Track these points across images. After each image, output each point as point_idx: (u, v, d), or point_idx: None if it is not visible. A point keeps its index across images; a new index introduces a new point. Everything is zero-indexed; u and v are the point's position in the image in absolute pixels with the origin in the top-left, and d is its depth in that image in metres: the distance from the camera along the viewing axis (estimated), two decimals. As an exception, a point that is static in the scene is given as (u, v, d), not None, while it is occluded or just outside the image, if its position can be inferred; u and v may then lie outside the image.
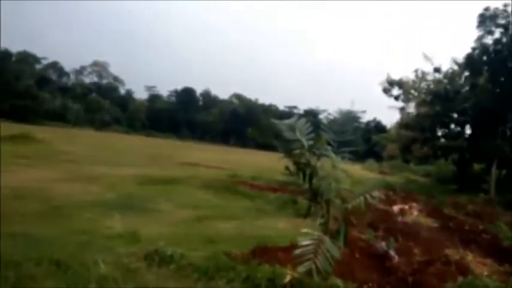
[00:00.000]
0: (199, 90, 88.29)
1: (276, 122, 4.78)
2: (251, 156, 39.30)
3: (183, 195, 10.16)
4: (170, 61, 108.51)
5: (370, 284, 4.65)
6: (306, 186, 4.73)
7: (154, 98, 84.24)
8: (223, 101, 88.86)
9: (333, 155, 4.81)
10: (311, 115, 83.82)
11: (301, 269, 3.98)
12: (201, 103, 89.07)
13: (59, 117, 60.69)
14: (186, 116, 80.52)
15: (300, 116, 5.38)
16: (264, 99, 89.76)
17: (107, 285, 3.73)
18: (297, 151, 4.62)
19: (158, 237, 5.80)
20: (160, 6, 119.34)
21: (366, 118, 76.34)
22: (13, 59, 62.57)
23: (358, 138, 5.27)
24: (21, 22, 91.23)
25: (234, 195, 10.96)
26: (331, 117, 5.60)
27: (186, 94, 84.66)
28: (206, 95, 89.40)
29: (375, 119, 78.26)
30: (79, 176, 11.76)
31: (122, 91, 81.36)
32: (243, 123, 79.75)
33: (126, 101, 77.88)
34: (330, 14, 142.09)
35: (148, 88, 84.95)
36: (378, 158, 47.51)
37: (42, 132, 28.34)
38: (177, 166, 20.06)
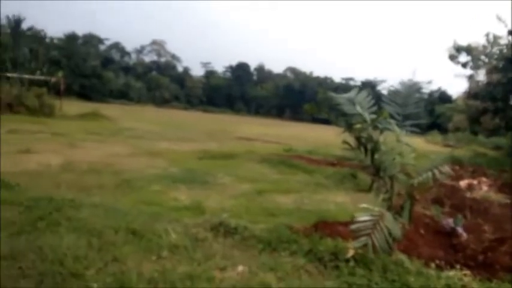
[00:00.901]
0: (253, 65, 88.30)
1: (335, 95, 4.66)
2: (306, 130, 38.99)
3: (242, 169, 10.41)
4: (225, 37, 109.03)
5: (437, 262, 4.52)
6: (368, 161, 4.63)
7: (210, 74, 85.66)
8: (277, 75, 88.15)
9: (396, 128, 4.64)
10: (369, 87, 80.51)
11: (356, 244, 3.97)
12: (255, 78, 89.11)
13: (122, 95, 64.18)
14: (241, 91, 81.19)
15: (360, 88, 5.18)
16: (319, 71, 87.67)
17: (178, 253, 3.99)
18: (358, 125, 4.50)
19: (221, 209, 6.06)
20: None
21: (429, 88, 71.99)
22: (79, 41, 66.53)
23: (421, 110, 4.99)
24: (85, 5, 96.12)
25: (291, 169, 11.02)
26: (392, 88, 5.34)
27: (241, 69, 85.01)
28: (260, 69, 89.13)
29: (439, 89, 73.39)
30: (144, 151, 12.47)
31: (180, 68, 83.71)
32: (297, 97, 78.89)
33: (183, 78, 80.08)
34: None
35: (204, 64, 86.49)
36: (442, 130, 44.85)
37: (108, 109, 30.26)
38: (234, 141, 20.51)
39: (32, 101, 20.84)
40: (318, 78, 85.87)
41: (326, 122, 5.73)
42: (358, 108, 4.50)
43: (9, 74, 26.18)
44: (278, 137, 25.19)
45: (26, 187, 5.94)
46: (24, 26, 55.45)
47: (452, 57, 26.52)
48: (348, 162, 11.26)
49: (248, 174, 9.78)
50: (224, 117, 56.61)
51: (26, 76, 26.43)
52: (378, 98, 5.04)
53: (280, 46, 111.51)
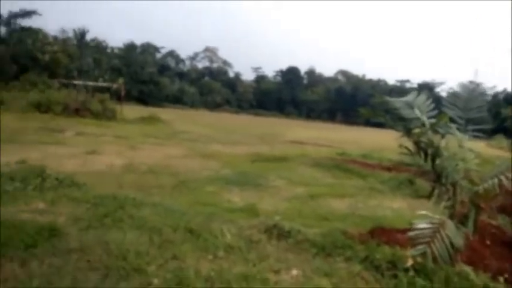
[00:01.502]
0: (304, 69, 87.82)
1: (392, 99, 4.50)
2: (359, 134, 38.00)
3: (294, 173, 10.37)
4: (275, 42, 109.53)
5: (506, 276, 4.19)
6: (428, 167, 4.41)
7: (260, 78, 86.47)
8: (328, 79, 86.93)
9: (458, 133, 4.39)
10: (426, 89, 76.76)
11: (414, 252, 3.79)
12: (306, 81, 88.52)
13: (177, 100, 66.77)
14: (292, 94, 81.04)
15: (418, 91, 4.96)
16: (372, 74, 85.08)
17: (233, 253, 4.06)
18: (417, 130, 4.30)
19: (274, 211, 6.08)
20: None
21: (493, 89, 67.07)
22: (138, 50, 70.22)
23: (484, 113, 4.67)
24: (144, 17, 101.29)
25: (345, 173, 10.79)
26: (451, 91, 5.07)
27: (291, 73, 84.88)
28: (311, 73, 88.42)
29: (504, 90, 68.24)
30: (199, 154, 12.85)
31: (231, 74, 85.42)
32: (349, 100, 77.22)
33: (234, 83, 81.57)
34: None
35: (255, 69, 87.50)
36: (509, 134, 41.63)
37: (164, 113, 31.56)
38: (286, 144, 20.50)
39: (96, 106, 22.34)
40: (370, 81, 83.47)
41: (380, 125, 5.55)
42: (417, 112, 4.31)
43: (75, 82, 28.27)
44: (330, 141, 24.80)
45: (92, 186, 6.36)
46: (88, 37, 59.73)
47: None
48: (404, 167, 10.83)
49: (301, 178, 9.72)
50: (275, 121, 56.75)
51: (90, 83, 28.38)
52: (436, 101, 4.81)
53: (331, 49, 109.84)
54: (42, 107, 20.14)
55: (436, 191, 5.02)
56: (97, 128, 17.18)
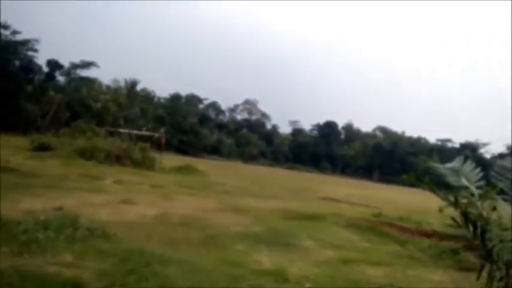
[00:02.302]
0: (341, 123, 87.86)
1: (437, 165, 4.31)
2: (397, 194, 36.56)
3: (326, 233, 9.98)
4: (313, 96, 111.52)
5: None
6: (477, 241, 4.06)
7: (297, 132, 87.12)
8: (366, 134, 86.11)
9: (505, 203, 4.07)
10: (469, 149, 73.77)
11: None
12: (343, 136, 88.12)
13: (215, 151, 68.13)
14: (328, 149, 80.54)
15: (465, 156, 4.72)
16: (412, 131, 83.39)
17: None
18: (465, 200, 4.03)
19: (304, 277, 5.79)
20: (305, 48, 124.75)
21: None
22: (182, 100, 73.66)
23: None
24: (190, 68, 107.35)
25: (381, 237, 10.24)
26: (495, 153, 4.77)
27: (328, 128, 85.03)
28: (348, 128, 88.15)
29: (557, 154, 64.20)
30: (231, 207, 12.76)
31: (269, 126, 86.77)
32: (387, 157, 75.50)
33: (271, 135, 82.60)
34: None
35: (292, 123, 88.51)
36: None
37: (201, 164, 32.15)
38: (319, 201, 20.03)
39: (136, 154, 23.19)
40: (410, 138, 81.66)
41: (418, 178, 5.27)
42: (464, 181, 4.07)
43: (121, 130, 29.76)
44: (366, 199, 23.98)
45: (122, 237, 6.40)
46: (138, 87, 63.72)
47: None
48: (445, 234, 10.16)
49: (333, 240, 9.32)
50: (309, 176, 56.12)
51: (135, 132, 29.73)
52: (479, 162, 4.55)
53: (370, 105, 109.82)
54: (86, 154, 21.16)
55: (487, 268, 4.59)
56: (135, 177, 17.67)
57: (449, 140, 79.79)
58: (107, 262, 4.84)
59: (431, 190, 4.40)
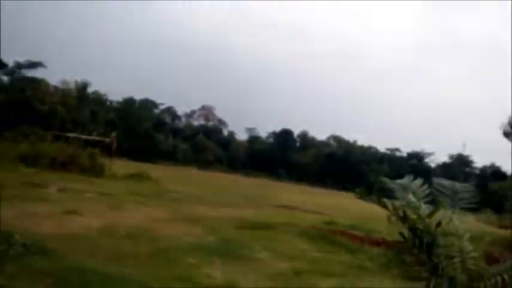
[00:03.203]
0: (296, 131, 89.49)
1: (387, 180, 4.41)
2: (349, 201, 37.62)
3: (280, 243, 9.98)
4: (270, 103, 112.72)
5: None
6: (424, 256, 4.18)
7: (254, 139, 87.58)
8: (321, 142, 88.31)
9: (456, 220, 4.24)
10: (415, 158, 78.09)
11: None
12: (298, 144, 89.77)
13: (169, 157, 66.64)
14: (284, 156, 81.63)
15: (412, 166, 4.89)
16: (363, 140, 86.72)
17: None
18: (414, 216, 4.15)
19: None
20: (262, 57, 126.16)
21: (481, 162, 68.34)
22: (136, 105, 71.51)
23: (472, 186, 4.59)
24: (142, 71, 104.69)
25: (332, 246, 10.42)
26: (439, 162, 4.98)
27: (284, 135, 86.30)
28: (304, 136, 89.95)
29: (492, 165, 69.25)
30: (183, 216, 12.44)
31: (225, 132, 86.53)
32: (340, 165, 77.83)
33: (228, 142, 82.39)
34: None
35: (249, 130, 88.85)
36: (497, 209, 41.53)
37: (154, 170, 31.23)
38: (274, 208, 20.14)
39: (84, 160, 22.03)
40: (362, 147, 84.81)
41: (369, 192, 5.39)
42: (412, 197, 4.19)
43: (69, 134, 28.24)
44: (319, 206, 24.47)
45: (62, 253, 5.97)
46: (90, 90, 61.03)
47: (507, 134, 25.31)
48: (393, 241, 10.52)
49: (286, 250, 9.33)
50: (265, 183, 56.44)
51: (83, 136, 28.34)
52: (426, 171, 4.73)
53: (324, 113, 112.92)
54: (29, 160, 19.80)
55: (432, 283, 4.74)
56: (82, 184, 16.76)
57: (397, 150, 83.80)
58: (42, 283, 4.46)
59: (381, 205, 4.50)
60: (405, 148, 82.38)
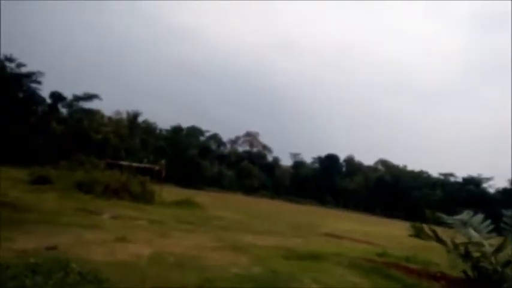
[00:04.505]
0: (342, 156, 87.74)
1: (445, 216, 4.13)
2: (401, 230, 35.71)
3: (330, 276, 9.56)
4: (315, 129, 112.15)
5: None
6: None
7: (298, 164, 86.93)
8: (368, 168, 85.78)
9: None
10: (472, 184, 73.17)
11: None
12: (344, 169, 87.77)
13: (215, 183, 67.66)
14: (329, 182, 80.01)
15: (460, 185, 4.55)
16: (414, 165, 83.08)
17: None
18: (477, 254, 3.82)
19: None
20: (305, 82, 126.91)
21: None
22: (183, 132, 73.98)
23: None
24: (188, 99, 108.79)
25: (388, 280, 9.81)
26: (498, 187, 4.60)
27: (330, 160, 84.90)
28: (350, 161, 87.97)
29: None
30: (230, 245, 12.37)
31: (270, 158, 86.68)
32: (389, 191, 74.83)
33: (273, 168, 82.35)
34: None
35: (293, 155, 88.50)
36: None
37: (201, 196, 31.74)
38: (321, 237, 19.56)
39: (136, 187, 22.89)
40: (412, 172, 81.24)
41: (423, 220, 5.03)
42: (474, 234, 3.88)
43: (121, 162, 29.60)
44: (369, 236, 23.46)
45: (115, 282, 6.08)
46: (140, 119, 64.21)
47: None
48: (454, 277, 9.76)
49: (336, 283, 8.91)
50: (311, 209, 55.34)
51: (134, 164, 29.55)
52: (484, 197, 4.37)
53: (371, 138, 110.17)
54: (84, 187, 20.90)
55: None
56: (133, 211, 17.32)
57: (451, 175, 79.30)
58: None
59: (440, 242, 4.19)
60: (460, 173, 77.81)
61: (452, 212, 4.63)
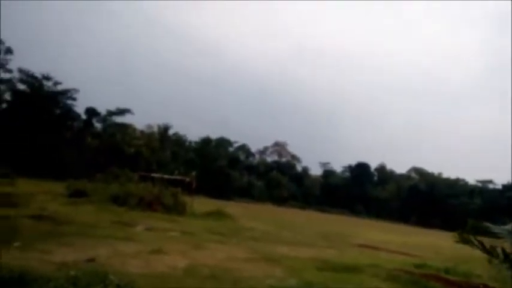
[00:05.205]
0: (374, 164, 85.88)
1: (491, 225, 3.92)
2: (438, 239, 34.47)
3: (367, 288, 9.29)
4: (343, 137, 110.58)
5: None
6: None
7: (328, 173, 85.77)
8: (400, 176, 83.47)
9: None
10: (513, 191, 69.80)
11: None
12: (376, 178, 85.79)
13: (245, 193, 67.75)
14: (361, 191, 78.35)
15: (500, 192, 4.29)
16: (449, 172, 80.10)
17: None
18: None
19: None
20: (333, 90, 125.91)
21: None
22: (212, 143, 74.82)
23: None
24: (219, 111, 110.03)
25: (427, 293, 9.42)
26: None
27: (360, 169, 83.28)
28: (381, 169, 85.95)
29: None
30: (263, 256, 12.27)
31: (299, 168, 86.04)
32: (424, 200, 72.38)
33: (302, 177, 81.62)
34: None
35: (323, 164, 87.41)
36: None
37: (231, 207, 31.81)
38: (355, 248, 19.08)
39: (168, 199, 23.24)
40: (448, 179, 78.33)
41: (462, 228, 4.76)
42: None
43: (153, 175, 30.19)
44: (405, 247, 22.68)
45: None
46: (171, 132, 65.54)
47: None
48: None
49: (374, 296, 8.63)
50: (342, 219, 54.30)
51: (166, 176, 30.05)
52: None
53: (402, 145, 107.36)
54: (119, 200, 21.42)
55: None
56: (166, 223, 17.56)
57: (490, 181, 75.84)
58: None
59: (487, 251, 3.97)
60: (499, 179, 74.28)
61: (491, 221, 4.38)
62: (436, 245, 26.74)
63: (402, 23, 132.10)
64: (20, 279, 5.55)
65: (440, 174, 79.95)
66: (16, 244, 8.86)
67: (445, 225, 57.76)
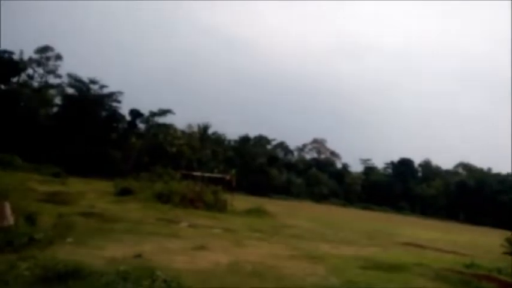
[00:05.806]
0: (418, 160, 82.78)
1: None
2: (489, 237, 32.70)
3: (413, 288, 8.98)
4: (384, 133, 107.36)
5: None
6: None
7: (369, 170, 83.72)
8: (447, 172, 79.90)
9: None
10: None
11: None
12: (420, 174, 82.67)
13: (284, 191, 67.67)
14: (404, 188, 75.81)
15: None
16: (499, 167, 75.70)
17: None
18: None
19: None
20: (373, 84, 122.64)
21: None
22: (251, 142, 75.30)
23: None
24: (258, 109, 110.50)
25: (479, 295, 8.96)
26: None
27: (404, 165, 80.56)
28: (426, 165, 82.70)
29: None
30: (304, 254, 12.20)
31: (339, 165, 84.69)
32: (473, 196, 68.90)
33: (342, 174, 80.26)
34: None
35: (364, 161, 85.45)
36: None
37: (271, 204, 31.89)
38: (400, 246, 18.51)
39: (209, 197, 23.76)
40: (498, 175, 74.05)
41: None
42: None
43: (194, 173, 30.90)
44: (453, 245, 21.75)
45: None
46: (210, 131, 66.73)
47: None
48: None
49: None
50: (385, 217, 52.85)
51: (206, 174, 30.67)
52: None
53: (449, 140, 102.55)
54: (163, 197, 22.17)
55: None
56: (208, 220, 17.93)
57: (545, 176, 70.90)
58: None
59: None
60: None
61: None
62: (487, 243, 25.39)
63: (455, 18, 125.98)
64: (74, 274, 5.89)
65: (489, 169, 75.77)
66: (69, 240, 9.40)
67: (496, 222, 54.71)
